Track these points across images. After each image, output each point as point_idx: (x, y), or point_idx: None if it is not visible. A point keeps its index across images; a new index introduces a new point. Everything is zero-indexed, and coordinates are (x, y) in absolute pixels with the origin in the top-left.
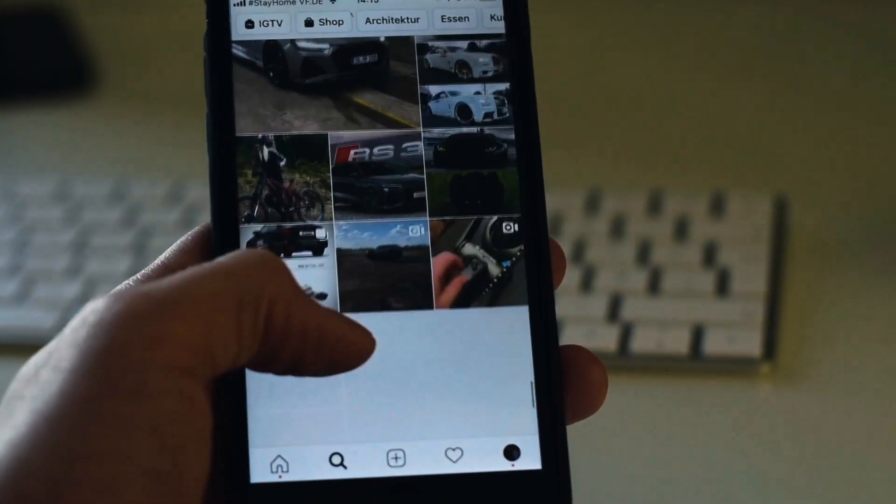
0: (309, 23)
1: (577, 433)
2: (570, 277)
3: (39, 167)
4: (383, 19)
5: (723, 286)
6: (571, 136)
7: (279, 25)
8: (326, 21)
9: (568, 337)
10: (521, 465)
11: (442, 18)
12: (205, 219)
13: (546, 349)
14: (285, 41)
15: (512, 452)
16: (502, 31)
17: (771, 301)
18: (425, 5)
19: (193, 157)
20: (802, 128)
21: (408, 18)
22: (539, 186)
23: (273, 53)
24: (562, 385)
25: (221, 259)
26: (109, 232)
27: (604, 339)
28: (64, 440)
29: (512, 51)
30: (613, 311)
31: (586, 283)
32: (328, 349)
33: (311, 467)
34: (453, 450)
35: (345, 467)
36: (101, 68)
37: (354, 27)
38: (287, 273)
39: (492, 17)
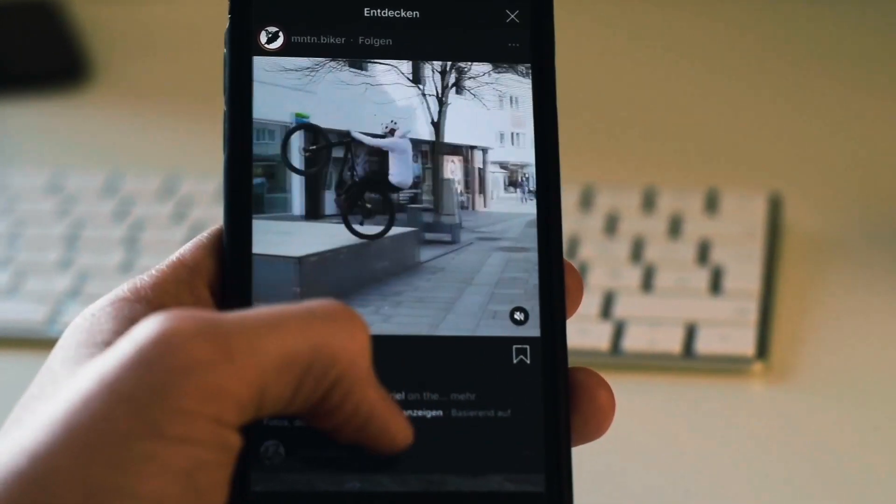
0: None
1: None
2: None
3: (32, 159)
4: None
5: (716, 284)
6: (566, 133)
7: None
8: None
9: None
10: (523, 487)
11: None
12: (197, 213)
13: (554, 370)
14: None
15: None
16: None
17: (764, 299)
18: None
19: (187, 151)
20: (798, 126)
21: None
22: (557, 221)
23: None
24: (569, 407)
25: (305, 305)
26: (101, 225)
27: (596, 337)
28: (94, 475)
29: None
30: (606, 308)
31: None
32: (366, 434)
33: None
34: None
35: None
36: (95, 61)
37: None
38: (365, 343)
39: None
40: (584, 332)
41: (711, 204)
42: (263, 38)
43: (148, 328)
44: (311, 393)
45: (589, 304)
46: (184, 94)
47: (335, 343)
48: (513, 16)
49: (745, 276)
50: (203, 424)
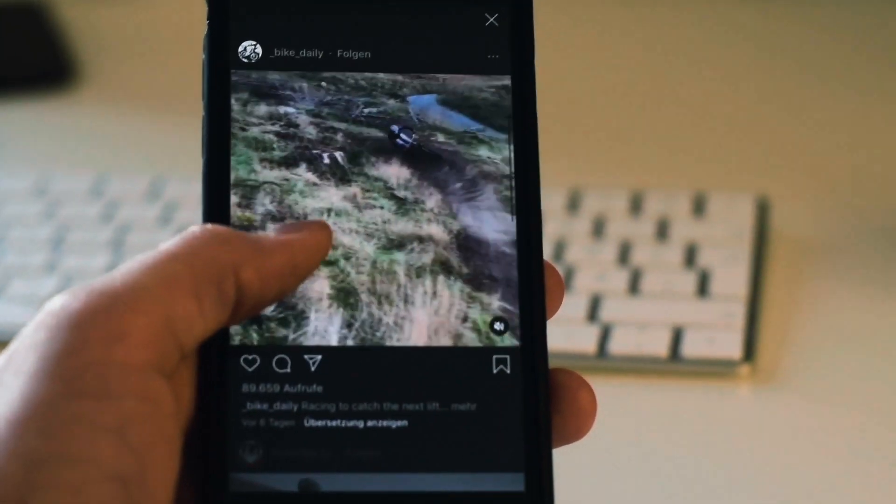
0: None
1: None
2: None
3: (18, 162)
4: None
5: (703, 288)
6: (552, 137)
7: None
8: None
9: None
10: (503, 486)
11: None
12: (183, 216)
13: (534, 371)
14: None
15: None
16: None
17: (751, 303)
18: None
19: (173, 154)
20: (785, 129)
21: None
22: (537, 229)
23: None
24: (548, 407)
25: (170, 242)
26: (87, 227)
27: (583, 341)
28: (28, 444)
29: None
30: (593, 311)
31: (566, 284)
32: (300, 267)
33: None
34: None
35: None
36: (81, 63)
37: None
38: (239, 237)
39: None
40: (570, 336)
41: (699, 207)
42: (241, 48)
43: (42, 309)
44: (217, 297)
45: (575, 307)
46: (170, 97)
47: (206, 249)
48: (492, 19)
49: (732, 280)
50: (117, 372)
